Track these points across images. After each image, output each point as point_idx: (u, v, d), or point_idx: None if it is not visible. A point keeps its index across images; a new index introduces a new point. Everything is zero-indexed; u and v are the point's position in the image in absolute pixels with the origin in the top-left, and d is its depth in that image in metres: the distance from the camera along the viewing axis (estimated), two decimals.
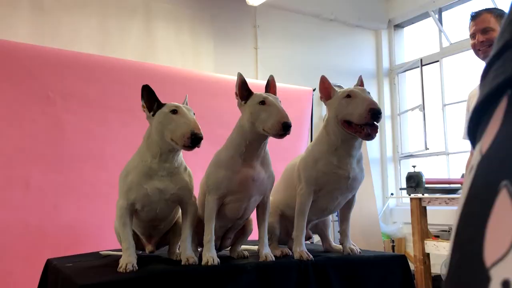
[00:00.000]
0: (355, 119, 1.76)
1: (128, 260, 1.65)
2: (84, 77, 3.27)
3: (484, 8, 2.28)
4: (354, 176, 1.89)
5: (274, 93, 1.81)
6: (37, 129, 3.04)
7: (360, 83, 1.96)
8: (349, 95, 1.80)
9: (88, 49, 3.64)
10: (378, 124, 1.77)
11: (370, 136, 1.76)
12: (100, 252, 2.19)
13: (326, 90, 1.92)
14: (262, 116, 1.66)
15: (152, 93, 1.74)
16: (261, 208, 1.87)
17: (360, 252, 2.00)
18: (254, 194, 1.78)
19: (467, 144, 4.84)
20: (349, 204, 2.05)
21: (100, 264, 1.86)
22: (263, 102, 1.68)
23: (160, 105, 1.73)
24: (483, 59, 2.27)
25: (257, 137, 1.72)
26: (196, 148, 1.62)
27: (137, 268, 1.63)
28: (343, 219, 2.07)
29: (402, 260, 1.99)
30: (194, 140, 1.59)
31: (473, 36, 2.26)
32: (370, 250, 2.35)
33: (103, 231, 2.95)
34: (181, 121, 1.64)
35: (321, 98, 1.95)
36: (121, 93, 3.36)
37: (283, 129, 1.61)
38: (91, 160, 3.18)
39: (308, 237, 2.12)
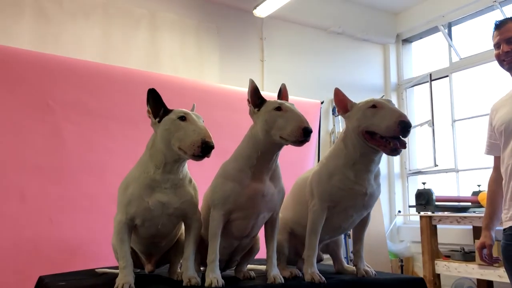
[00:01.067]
0: (382, 131, 1.63)
1: (125, 280, 1.52)
2: (86, 85, 3.16)
3: (509, 17, 2.17)
4: (371, 193, 1.77)
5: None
6: (35, 138, 2.92)
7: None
8: (374, 105, 1.69)
9: (91, 58, 3.54)
10: (405, 139, 1.66)
11: (396, 151, 1.64)
12: (96, 270, 2.06)
13: (342, 102, 1.81)
14: (279, 122, 1.55)
15: (159, 98, 1.63)
16: (270, 226, 1.74)
17: (375, 275, 1.87)
18: (263, 210, 1.65)
19: (478, 161, 4.74)
20: (363, 223, 1.93)
21: (94, 283, 1.73)
22: (279, 108, 1.57)
23: (167, 111, 1.61)
24: (508, 70, 2.16)
25: (271, 147, 1.60)
26: (206, 158, 1.51)
27: None
28: (357, 239, 1.94)
29: (420, 284, 1.85)
30: (205, 149, 1.48)
31: (497, 46, 2.14)
32: (384, 272, 2.20)
33: (101, 247, 2.81)
34: (190, 128, 1.52)
35: (338, 111, 1.83)
36: (124, 103, 3.25)
37: (304, 134, 1.49)
38: (91, 172, 3.05)
39: (319, 260, 1.99)
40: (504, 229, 2.12)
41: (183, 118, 1.56)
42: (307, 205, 1.82)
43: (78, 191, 2.98)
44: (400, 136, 1.64)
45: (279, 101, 1.63)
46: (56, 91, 3.04)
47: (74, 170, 3.01)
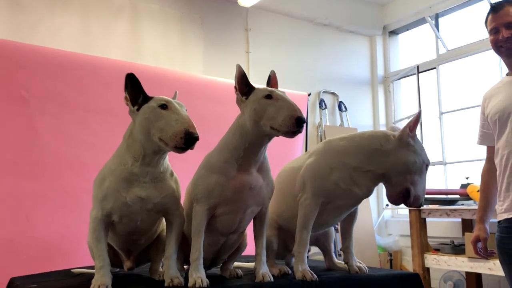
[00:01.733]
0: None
1: (101, 281, 1.41)
2: (63, 76, 3.00)
3: (506, 0, 2.03)
4: (367, 194, 1.70)
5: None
6: (9, 132, 2.77)
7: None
8: (270, 95, 1.51)
9: (70, 48, 3.38)
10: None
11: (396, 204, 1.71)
12: (72, 270, 1.94)
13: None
14: (269, 111, 1.43)
15: (138, 84, 1.50)
16: (259, 221, 1.63)
17: (368, 271, 1.78)
18: (251, 204, 1.55)
19: (466, 153, 4.70)
20: (351, 219, 1.85)
21: (69, 284, 1.61)
22: (269, 96, 1.46)
23: (146, 98, 1.49)
24: (506, 56, 2.05)
25: (259, 138, 1.49)
26: (189, 150, 1.39)
27: None
28: (346, 235, 1.86)
29: (415, 279, 1.77)
30: (188, 141, 1.36)
31: (494, 31, 2.01)
32: (375, 267, 2.12)
33: (81, 245, 2.66)
34: (172, 118, 1.40)
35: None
36: (104, 94, 3.10)
37: (297, 125, 1.38)
38: (69, 167, 2.91)
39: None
40: (499, 222, 2.04)
41: (164, 106, 1.44)
42: (292, 197, 1.72)
43: (56, 187, 2.84)
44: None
45: (269, 88, 1.52)
46: (31, 82, 2.89)
47: (51, 165, 2.86)
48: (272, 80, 1.64)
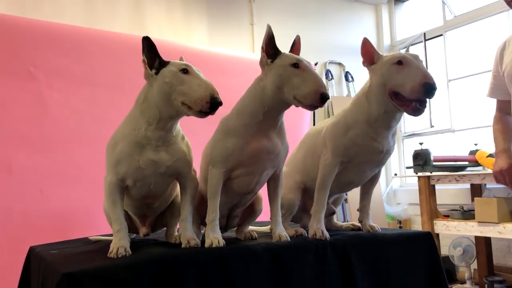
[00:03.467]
0: (406, 93, 1.54)
1: (119, 244, 1.42)
2: (70, 51, 3.00)
3: None
4: (387, 150, 1.70)
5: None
6: (19, 107, 2.78)
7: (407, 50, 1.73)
8: (400, 61, 1.58)
9: (73, 23, 3.36)
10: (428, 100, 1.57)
11: (419, 112, 1.56)
12: (89, 238, 1.97)
13: (368, 53, 1.69)
14: (294, 81, 1.41)
15: (154, 48, 1.48)
16: (273, 183, 1.64)
17: (380, 230, 1.80)
18: (267, 167, 1.55)
19: (474, 120, 4.67)
20: (373, 179, 1.85)
21: (88, 250, 1.64)
22: (296, 65, 1.43)
23: (163, 63, 1.48)
24: None
25: (279, 104, 1.48)
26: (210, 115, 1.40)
27: (130, 252, 1.41)
28: (365, 194, 1.86)
29: (428, 238, 1.79)
30: (213, 105, 1.37)
31: None
32: (389, 228, 2.14)
33: (94, 216, 2.72)
34: (195, 82, 1.40)
35: (363, 62, 1.72)
36: (110, 68, 3.10)
37: (321, 100, 1.37)
38: (79, 141, 2.93)
39: (331, 212, 1.90)
40: None
41: (185, 70, 1.43)
42: (318, 157, 1.73)
43: (67, 161, 2.87)
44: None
45: (296, 56, 1.49)
46: (38, 57, 2.89)
47: (61, 139, 2.88)
48: (296, 45, 1.61)
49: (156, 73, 1.46)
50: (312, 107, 1.40)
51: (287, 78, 1.43)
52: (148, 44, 1.47)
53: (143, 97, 1.50)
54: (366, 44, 1.70)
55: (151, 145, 1.47)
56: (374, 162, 1.71)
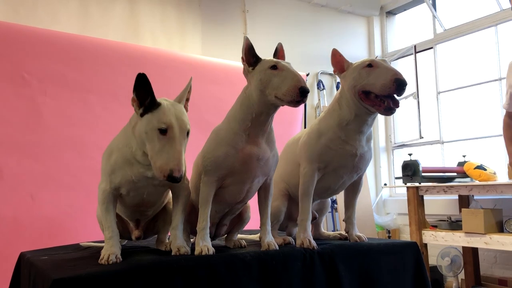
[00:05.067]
0: (377, 90, 1.60)
1: (111, 251, 1.44)
2: (63, 57, 3.02)
3: None
4: (362, 154, 1.73)
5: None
6: (11, 113, 2.79)
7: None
8: (370, 64, 1.66)
9: (68, 30, 3.39)
10: (399, 98, 1.62)
11: (390, 111, 1.61)
12: (81, 244, 1.98)
13: (339, 63, 1.78)
14: (274, 81, 1.47)
15: (148, 86, 1.42)
16: (264, 191, 1.67)
17: (367, 240, 1.83)
18: (258, 175, 1.59)
19: (463, 132, 4.73)
20: (355, 189, 1.89)
21: (79, 256, 1.65)
22: (274, 67, 1.49)
23: (153, 104, 1.41)
24: None
25: (266, 108, 1.53)
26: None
27: (121, 259, 1.43)
28: (349, 205, 1.91)
29: (413, 248, 1.82)
30: (169, 180, 1.36)
31: None
32: (376, 238, 2.18)
33: (84, 223, 2.74)
34: (165, 149, 1.38)
35: (334, 71, 1.80)
36: (103, 75, 3.12)
37: (301, 94, 1.42)
38: (71, 147, 2.94)
39: (313, 218, 1.94)
40: None
41: (163, 131, 1.38)
42: (297, 166, 1.78)
43: (59, 167, 2.88)
44: (395, 95, 1.60)
45: (274, 59, 1.55)
46: (31, 63, 2.90)
47: (54, 145, 2.89)
48: (279, 52, 1.67)
49: (142, 115, 1.42)
50: (294, 103, 1.45)
51: (268, 80, 1.49)
52: (142, 82, 1.42)
53: (134, 124, 1.48)
54: (335, 54, 1.79)
55: (142, 164, 1.48)
56: (349, 167, 1.75)
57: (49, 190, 2.81)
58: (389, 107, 1.61)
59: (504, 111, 2.35)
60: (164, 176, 1.36)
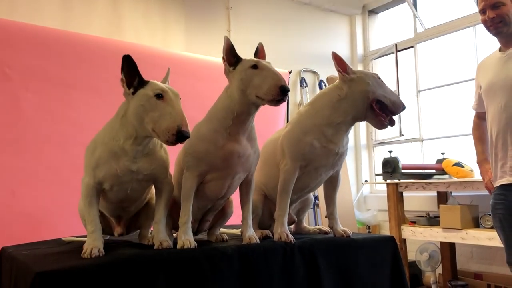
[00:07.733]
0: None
1: (93, 245, 1.46)
2: (45, 52, 3.00)
3: None
4: (342, 153, 1.78)
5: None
6: None
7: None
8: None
9: (50, 24, 3.36)
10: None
11: (386, 126, 1.75)
12: (63, 239, 1.99)
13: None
14: (255, 81, 1.49)
15: (134, 66, 1.49)
16: (245, 187, 1.71)
17: (352, 235, 1.88)
18: (239, 171, 1.62)
19: (442, 130, 4.83)
20: (333, 185, 1.93)
21: (61, 250, 1.66)
22: (255, 66, 1.52)
23: (142, 82, 1.48)
24: (495, 34, 2.19)
25: (247, 107, 1.55)
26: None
27: (103, 253, 1.45)
28: (330, 201, 1.95)
29: (391, 242, 1.88)
30: (179, 138, 1.39)
31: (482, 12, 2.16)
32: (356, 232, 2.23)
33: (66, 219, 2.72)
34: (166, 111, 1.41)
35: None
36: (85, 70, 3.11)
37: (281, 93, 1.44)
38: (52, 143, 2.93)
39: (291, 221, 1.98)
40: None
41: (159, 96, 1.44)
42: (277, 167, 1.80)
43: (40, 163, 2.86)
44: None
45: (255, 59, 1.58)
46: (13, 58, 2.88)
47: (35, 141, 2.87)
48: (260, 52, 1.69)
49: (134, 93, 1.48)
50: (275, 101, 1.47)
51: (249, 80, 1.51)
52: (128, 63, 1.48)
53: (123, 112, 1.52)
54: (335, 56, 1.80)
55: (128, 157, 1.51)
56: (329, 165, 1.80)
57: (30, 186, 2.80)
58: (386, 124, 1.75)
59: (474, 112, 2.43)
60: (174, 135, 1.38)
